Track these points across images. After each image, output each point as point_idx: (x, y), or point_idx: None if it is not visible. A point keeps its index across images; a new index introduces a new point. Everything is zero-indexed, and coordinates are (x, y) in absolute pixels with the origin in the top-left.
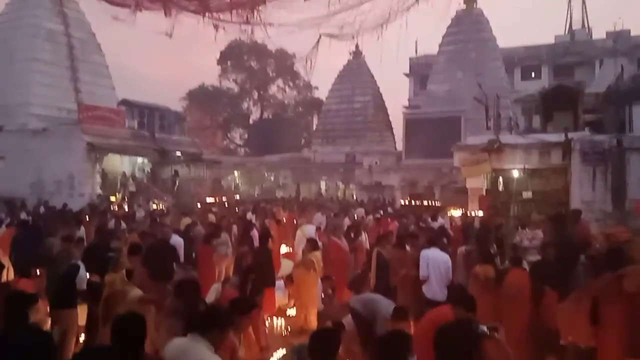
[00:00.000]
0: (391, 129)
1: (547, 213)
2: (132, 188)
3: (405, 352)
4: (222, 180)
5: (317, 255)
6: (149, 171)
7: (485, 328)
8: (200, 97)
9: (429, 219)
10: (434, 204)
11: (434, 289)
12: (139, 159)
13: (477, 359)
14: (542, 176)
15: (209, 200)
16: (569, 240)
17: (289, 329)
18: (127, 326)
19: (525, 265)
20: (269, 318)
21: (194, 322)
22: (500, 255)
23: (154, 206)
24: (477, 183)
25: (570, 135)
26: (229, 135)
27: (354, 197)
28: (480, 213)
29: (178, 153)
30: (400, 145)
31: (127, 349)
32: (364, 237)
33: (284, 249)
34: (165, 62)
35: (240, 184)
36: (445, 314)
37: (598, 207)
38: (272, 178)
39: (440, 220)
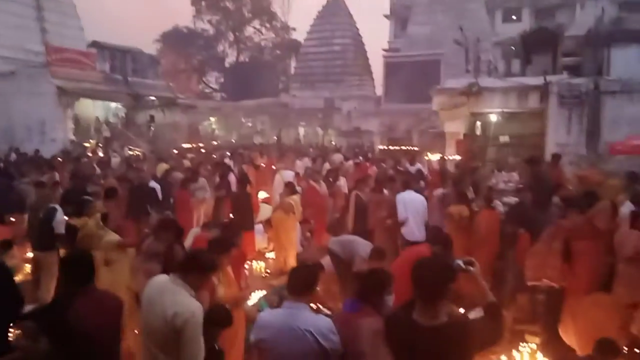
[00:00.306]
0: (370, 73)
1: (523, 156)
2: (106, 133)
3: (383, 289)
4: (199, 126)
5: (295, 199)
6: (123, 116)
7: (461, 262)
8: (174, 39)
9: (407, 164)
10: (412, 148)
11: (412, 230)
12: (113, 104)
13: (453, 292)
14: (519, 120)
15: (186, 146)
16: (544, 183)
17: (269, 272)
18: (75, 264)
19: (501, 207)
20: (248, 261)
21: (174, 265)
22: (476, 197)
23: (130, 152)
24: (454, 127)
25: (548, 78)
26: (204, 79)
27: (333, 143)
28: (458, 157)
29: (152, 97)
30: (379, 90)
31: (76, 286)
32: (342, 181)
33: (262, 194)
34: (137, 2)
35: (217, 130)
36: (423, 251)
37: (573, 150)
38: (250, 124)
39: (418, 165)
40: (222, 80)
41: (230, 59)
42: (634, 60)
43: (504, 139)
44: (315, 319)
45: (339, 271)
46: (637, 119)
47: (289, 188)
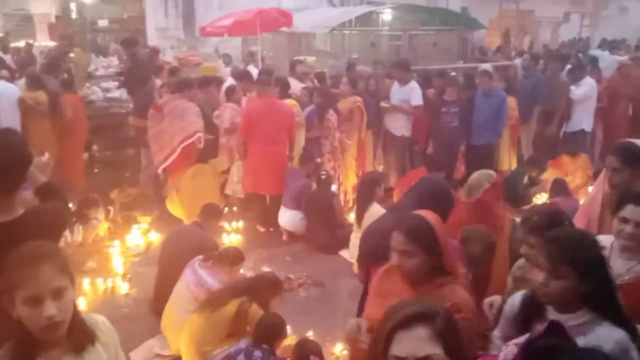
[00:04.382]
0: None
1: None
2: None
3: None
4: None
5: None
6: None
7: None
8: None
9: None
10: None
11: None
12: None
13: None
14: (117, 3)
15: None
16: (142, 64)
17: None
18: None
19: (100, 92)
20: None
21: None
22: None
23: None
24: (44, 8)
25: None
26: None
27: None
28: (51, 43)
29: None
30: None
31: None
32: None
33: None
34: None
35: None
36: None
37: (172, 34)
38: None
39: None
40: None
41: None
42: None
43: (103, 23)
44: None
45: None
46: (226, 1)
47: None
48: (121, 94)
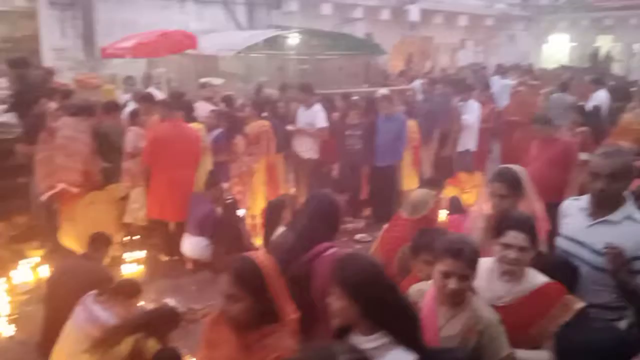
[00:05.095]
0: None
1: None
2: None
3: None
4: None
5: None
6: None
7: None
8: None
9: None
10: None
11: None
12: None
13: None
14: (8, 21)
15: None
16: (31, 86)
17: None
18: None
19: None
20: None
21: None
22: None
23: None
24: None
25: None
26: None
27: None
28: None
29: None
30: None
31: None
32: None
33: None
34: None
35: None
36: None
37: (71, 55)
38: None
39: None
40: None
41: None
42: None
43: None
44: None
45: None
46: (129, 22)
47: None
48: (9, 118)
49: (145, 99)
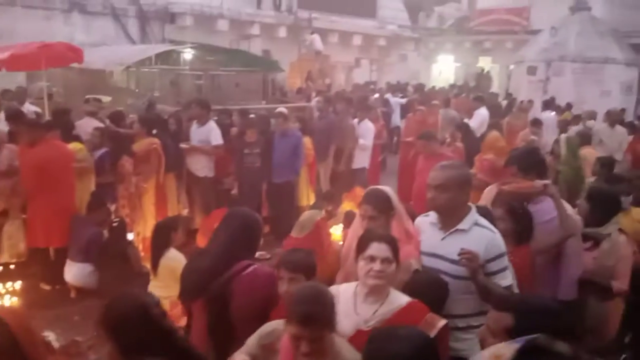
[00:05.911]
0: None
1: None
2: None
3: None
4: None
5: None
6: None
7: None
8: None
9: None
10: None
11: None
12: None
13: None
14: None
15: None
16: None
17: None
18: None
19: None
20: None
21: None
22: None
23: None
24: None
25: None
26: None
27: None
28: None
29: None
30: None
31: None
32: None
33: None
34: None
35: None
36: None
37: None
38: None
39: None
40: None
41: None
42: None
43: None
44: None
45: None
46: (5, 32)
47: None
48: None
49: (13, 117)
